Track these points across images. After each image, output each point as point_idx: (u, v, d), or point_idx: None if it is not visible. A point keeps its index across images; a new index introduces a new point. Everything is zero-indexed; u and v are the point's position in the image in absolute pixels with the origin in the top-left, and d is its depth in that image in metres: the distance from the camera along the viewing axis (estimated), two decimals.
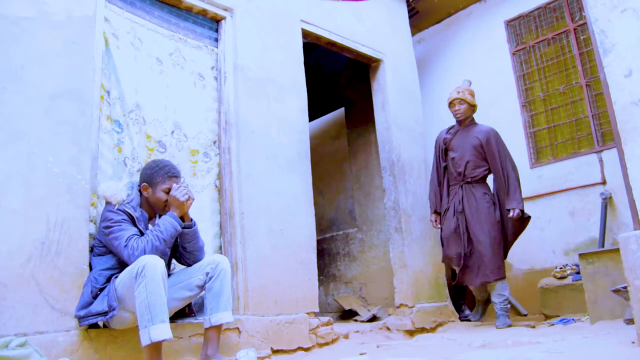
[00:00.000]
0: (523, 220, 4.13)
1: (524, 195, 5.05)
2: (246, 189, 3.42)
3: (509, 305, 4.06)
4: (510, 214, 4.00)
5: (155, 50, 3.28)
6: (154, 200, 2.68)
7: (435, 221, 4.37)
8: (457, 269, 4.16)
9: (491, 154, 4.16)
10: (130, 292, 2.35)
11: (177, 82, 3.36)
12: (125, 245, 2.43)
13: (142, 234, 2.55)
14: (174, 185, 2.66)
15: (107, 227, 2.49)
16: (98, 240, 2.58)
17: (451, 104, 4.32)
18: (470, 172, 4.18)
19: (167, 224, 2.54)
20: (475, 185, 4.18)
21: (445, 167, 4.36)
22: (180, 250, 2.79)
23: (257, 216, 3.42)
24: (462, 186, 4.21)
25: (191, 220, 2.76)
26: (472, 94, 4.32)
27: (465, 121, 4.32)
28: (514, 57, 5.53)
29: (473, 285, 4.09)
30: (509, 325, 3.89)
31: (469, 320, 4.64)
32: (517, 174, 4.17)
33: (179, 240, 2.76)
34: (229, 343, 3.00)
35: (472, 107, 4.31)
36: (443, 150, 4.39)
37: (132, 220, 2.55)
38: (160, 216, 2.79)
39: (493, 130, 4.24)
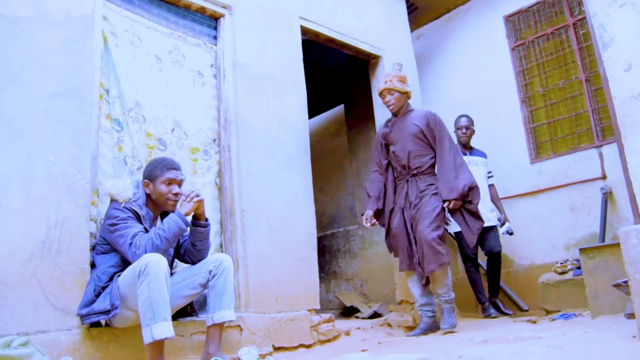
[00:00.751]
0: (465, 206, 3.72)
1: (523, 190, 5.09)
2: (246, 187, 3.42)
3: (453, 295, 3.71)
4: (446, 205, 3.65)
5: (154, 48, 3.27)
6: (156, 195, 2.68)
7: (366, 219, 3.87)
8: (405, 270, 3.78)
9: (433, 137, 3.80)
10: (132, 290, 2.35)
11: (176, 79, 3.36)
12: (131, 244, 2.43)
13: (147, 231, 2.56)
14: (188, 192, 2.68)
15: (113, 225, 2.49)
16: (101, 238, 2.58)
17: (381, 95, 3.94)
18: (414, 162, 3.79)
19: (171, 222, 2.54)
20: (421, 177, 3.78)
21: (389, 164, 3.98)
22: (189, 247, 2.79)
23: (257, 214, 3.42)
24: (408, 180, 3.81)
25: (206, 219, 2.77)
26: (403, 80, 3.92)
27: (400, 111, 3.93)
28: (513, 52, 5.52)
29: (426, 274, 3.59)
30: (454, 326, 3.60)
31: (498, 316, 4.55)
32: (460, 158, 3.77)
33: (190, 237, 2.77)
34: (231, 341, 3.01)
35: (405, 95, 3.91)
36: (384, 146, 4.01)
37: (138, 219, 2.55)
38: (161, 213, 2.80)
39: (430, 113, 3.90)
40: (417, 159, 3.79)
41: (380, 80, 4.85)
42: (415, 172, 3.79)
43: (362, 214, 3.95)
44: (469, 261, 4.78)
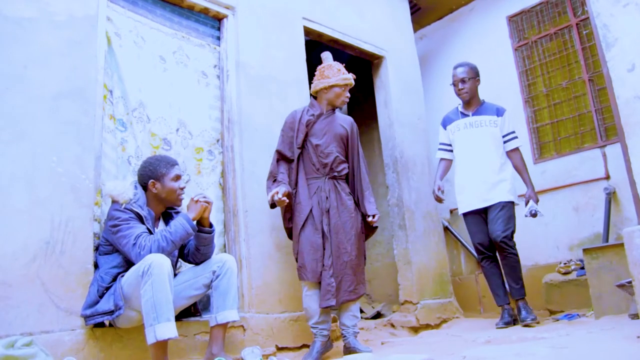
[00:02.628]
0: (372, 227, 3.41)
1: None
2: (249, 187, 3.43)
3: (358, 330, 3.28)
4: (370, 219, 3.29)
5: (158, 48, 3.28)
6: (167, 192, 2.68)
7: (277, 193, 3.09)
8: (309, 281, 3.15)
9: (353, 147, 3.42)
10: (136, 291, 2.35)
11: (181, 80, 3.36)
12: (134, 244, 2.44)
13: (150, 232, 2.56)
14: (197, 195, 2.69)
15: (115, 226, 2.49)
16: (104, 239, 2.59)
17: (342, 87, 3.35)
18: (337, 165, 3.32)
19: (178, 225, 2.54)
20: (341, 182, 3.33)
21: (300, 156, 3.34)
22: (192, 250, 2.80)
23: (260, 214, 3.42)
24: (326, 181, 3.29)
25: (211, 225, 2.78)
26: None
27: (336, 109, 3.46)
28: (516, 52, 5.51)
29: (332, 305, 3.09)
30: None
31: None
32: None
33: (194, 241, 2.78)
34: (234, 341, 3.01)
35: None
36: (304, 134, 3.33)
37: (140, 219, 2.56)
38: (163, 213, 2.80)
39: (353, 121, 3.50)
40: (340, 163, 3.34)
41: (384, 80, 4.85)
42: (335, 174, 3.31)
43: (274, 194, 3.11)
44: (479, 253, 3.99)
